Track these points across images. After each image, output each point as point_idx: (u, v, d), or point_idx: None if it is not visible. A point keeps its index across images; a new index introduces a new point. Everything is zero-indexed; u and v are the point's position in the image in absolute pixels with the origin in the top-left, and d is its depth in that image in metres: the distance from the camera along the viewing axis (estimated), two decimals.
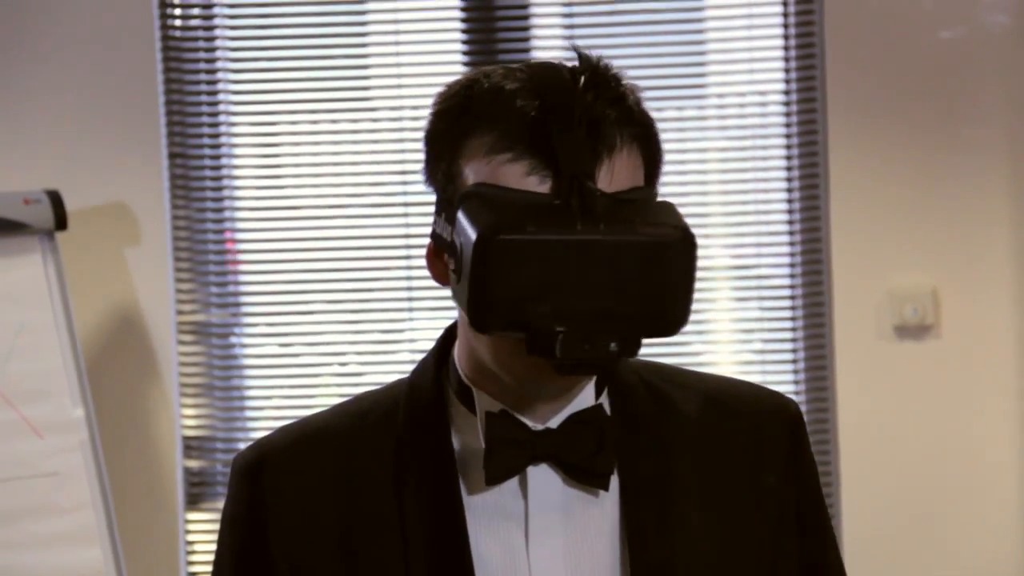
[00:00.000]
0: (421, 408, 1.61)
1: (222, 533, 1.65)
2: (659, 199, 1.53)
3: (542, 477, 1.57)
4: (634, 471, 1.58)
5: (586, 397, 1.58)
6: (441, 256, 1.55)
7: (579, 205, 1.44)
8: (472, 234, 1.43)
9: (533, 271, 1.43)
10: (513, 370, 1.53)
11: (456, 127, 1.52)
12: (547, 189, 1.47)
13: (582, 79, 1.50)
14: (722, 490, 1.61)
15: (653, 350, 3.96)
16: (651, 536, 1.56)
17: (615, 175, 1.49)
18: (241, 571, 1.62)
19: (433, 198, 1.57)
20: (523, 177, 1.47)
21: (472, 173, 1.50)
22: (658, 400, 1.63)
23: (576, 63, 1.53)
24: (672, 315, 1.47)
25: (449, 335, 1.64)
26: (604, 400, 1.61)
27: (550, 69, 1.52)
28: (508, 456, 1.54)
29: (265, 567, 1.59)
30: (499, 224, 1.43)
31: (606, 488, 1.56)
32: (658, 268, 1.45)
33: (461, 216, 1.46)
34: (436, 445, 1.59)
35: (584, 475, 1.56)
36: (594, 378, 1.59)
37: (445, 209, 1.53)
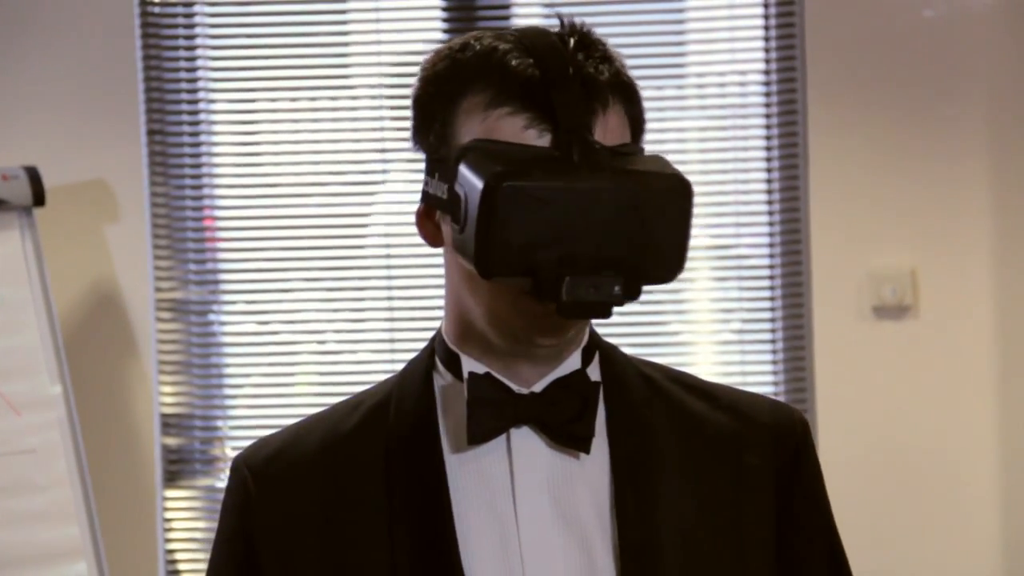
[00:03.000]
0: (411, 386, 1.64)
1: (220, 522, 1.68)
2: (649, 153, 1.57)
3: (526, 439, 1.59)
4: (625, 451, 1.60)
5: (571, 362, 1.61)
6: (432, 216, 1.59)
7: (581, 156, 1.48)
8: (478, 183, 1.46)
9: (539, 218, 1.46)
10: (509, 324, 1.55)
11: (449, 87, 1.55)
12: (546, 143, 1.50)
13: (571, 41, 1.54)
14: (712, 480, 1.63)
15: (632, 330, 3.97)
16: (639, 514, 1.58)
17: (608, 130, 1.53)
18: (231, 555, 1.64)
19: (421, 165, 1.60)
20: (521, 131, 1.51)
21: (468, 131, 1.53)
22: (654, 390, 1.66)
23: (561, 26, 1.57)
24: (670, 262, 1.52)
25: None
26: (596, 370, 1.63)
27: (538, 32, 1.56)
28: (489, 417, 1.57)
29: (251, 552, 1.62)
30: (505, 171, 1.46)
31: (587, 451, 1.58)
32: (657, 215, 1.49)
33: (464, 168, 1.49)
34: (421, 416, 1.62)
35: (565, 438, 1.58)
36: (581, 345, 1.62)
37: (438, 168, 1.55)
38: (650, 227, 1.49)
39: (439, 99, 1.56)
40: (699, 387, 1.70)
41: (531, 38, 1.54)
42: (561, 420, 1.58)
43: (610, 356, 1.66)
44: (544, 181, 1.46)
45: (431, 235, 1.60)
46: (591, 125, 1.50)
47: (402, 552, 1.56)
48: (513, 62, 1.52)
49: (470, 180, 1.48)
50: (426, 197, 1.58)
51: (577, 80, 1.51)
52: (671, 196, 1.50)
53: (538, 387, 1.59)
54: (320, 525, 1.60)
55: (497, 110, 1.51)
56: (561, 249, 1.47)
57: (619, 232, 1.48)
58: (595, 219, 1.47)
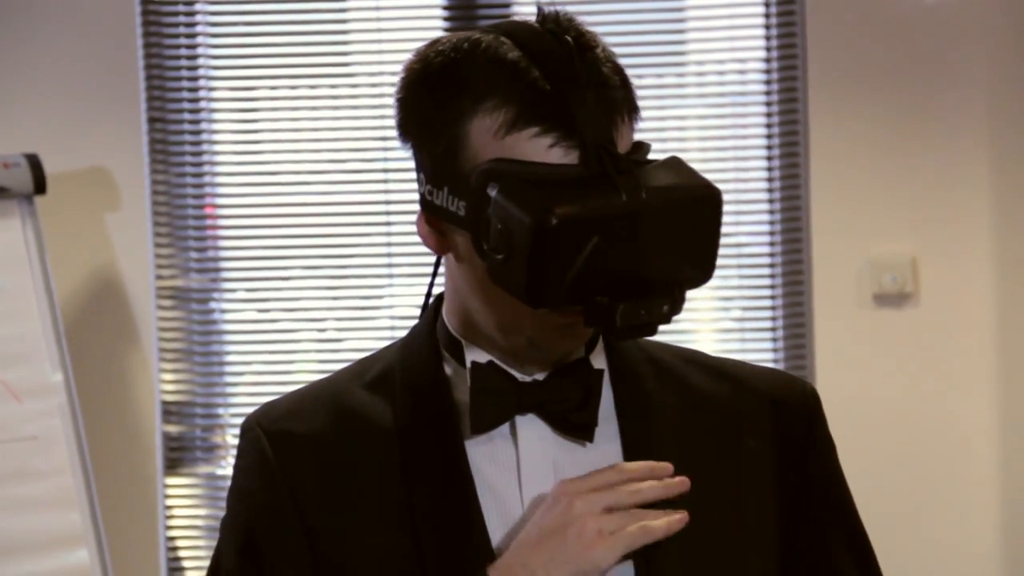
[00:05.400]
0: (417, 360, 1.64)
1: (233, 480, 1.67)
2: (667, 155, 1.56)
3: (531, 426, 1.59)
4: (635, 437, 1.61)
5: (575, 351, 1.61)
6: (436, 225, 1.56)
7: (615, 173, 1.46)
8: (525, 217, 1.44)
9: (587, 247, 1.45)
10: (526, 333, 1.55)
11: (458, 99, 1.52)
12: (571, 160, 1.48)
13: (570, 41, 1.51)
14: (722, 459, 1.63)
15: None
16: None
17: (623, 137, 1.52)
18: (249, 507, 1.63)
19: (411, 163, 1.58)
20: (547, 150, 1.48)
21: (484, 147, 1.50)
22: (660, 370, 1.66)
23: (546, 21, 1.54)
24: (705, 266, 1.53)
25: (439, 299, 1.67)
26: (600, 356, 1.63)
27: (534, 32, 1.52)
28: (492, 405, 1.57)
29: (273, 505, 1.61)
30: (551, 206, 1.44)
31: (591, 439, 1.58)
32: (696, 225, 1.50)
33: (501, 198, 1.46)
34: (436, 398, 1.62)
35: (568, 426, 1.58)
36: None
37: (448, 183, 1.52)
38: (689, 238, 1.49)
39: (447, 111, 1.52)
40: (711, 365, 1.71)
41: (532, 41, 1.51)
42: (564, 408, 1.58)
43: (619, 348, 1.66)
44: (592, 211, 1.44)
45: (436, 243, 1.58)
46: (613, 138, 1.49)
47: (426, 530, 1.56)
48: (529, 76, 1.49)
49: (512, 213, 1.45)
50: (430, 207, 1.55)
51: (592, 89, 1.49)
52: (706, 206, 1.50)
53: (541, 375, 1.59)
54: (334, 489, 1.59)
55: (522, 131, 1.49)
56: (612, 276, 1.46)
57: (663, 250, 1.48)
58: (640, 241, 1.46)
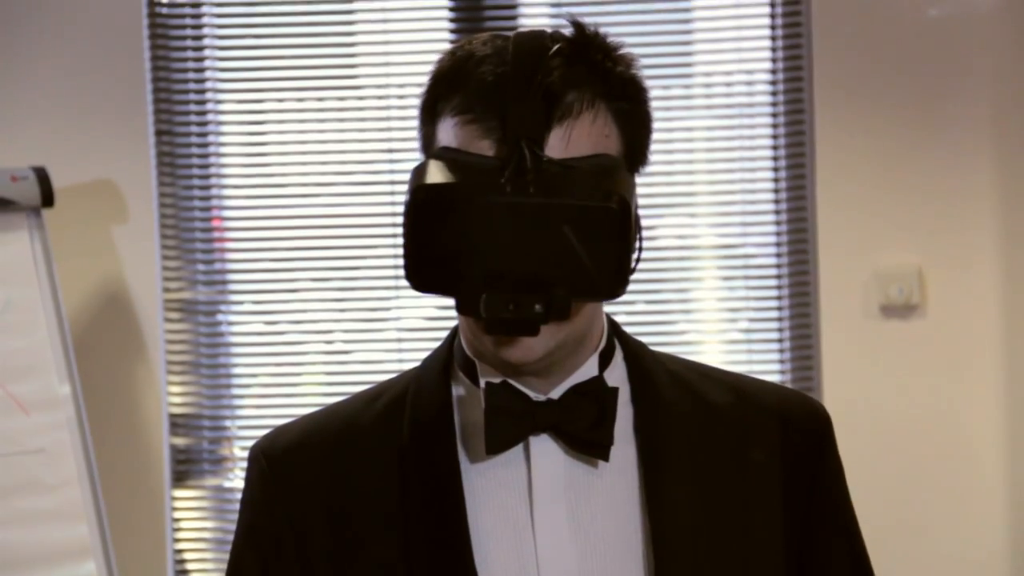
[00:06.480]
0: (428, 385, 1.64)
1: (240, 514, 1.68)
2: (620, 169, 1.53)
3: (544, 447, 1.58)
4: (655, 456, 1.60)
5: (589, 369, 1.60)
6: None
7: (515, 168, 1.46)
8: (406, 196, 1.48)
9: (461, 231, 1.46)
10: (483, 342, 1.55)
11: (432, 94, 1.56)
12: (496, 153, 1.49)
13: (555, 47, 1.52)
14: (741, 474, 1.62)
15: (640, 329, 3.97)
16: (667, 520, 1.58)
17: (572, 141, 1.50)
18: (253, 546, 1.64)
19: None
20: (477, 140, 1.50)
21: (441, 137, 1.54)
22: (679, 385, 1.65)
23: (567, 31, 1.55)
24: (603, 279, 1.48)
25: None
26: (616, 373, 1.62)
27: (530, 37, 1.54)
28: (507, 426, 1.56)
29: (274, 543, 1.62)
30: (429, 185, 1.46)
31: (606, 459, 1.57)
32: (586, 233, 1.46)
33: (411, 179, 1.50)
34: (438, 418, 1.61)
35: (584, 446, 1.57)
36: (598, 350, 1.61)
37: None
38: (578, 244, 1.46)
39: (425, 105, 1.57)
40: (724, 379, 1.70)
41: (517, 44, 1.52)
42: (579, 428, 1.57)
43: (637, 355, 1.65)
44: (464, 194, 1.45)
45: None
46: (542, 138, 1.48)
47: (415, 553, 1.56)
48: (482, 69, 1.51)
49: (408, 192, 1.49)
50: None
51: (540, 90, 1.49)
52: (598, 214, 1.46)
53: (555, 394, 1.58)
54: (334, 520, 1.59)
55: (458, 117, 1.51)
56: (483, 264, 1.45)
57: (544, 248, 1.46)
58: (519, 234, 1.45)
